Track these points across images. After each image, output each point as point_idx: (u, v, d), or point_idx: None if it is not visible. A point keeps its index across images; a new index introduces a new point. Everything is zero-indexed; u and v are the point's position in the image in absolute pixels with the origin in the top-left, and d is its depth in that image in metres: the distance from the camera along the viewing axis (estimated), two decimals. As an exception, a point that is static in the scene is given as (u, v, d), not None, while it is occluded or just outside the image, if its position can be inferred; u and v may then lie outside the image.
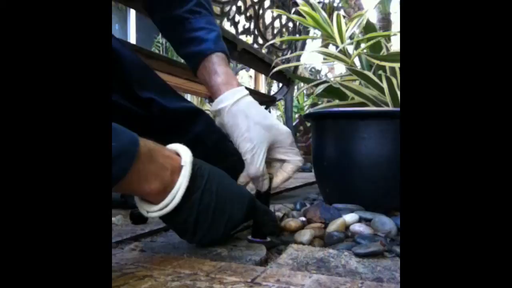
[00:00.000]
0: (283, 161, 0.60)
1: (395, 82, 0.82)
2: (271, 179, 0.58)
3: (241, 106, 0.57)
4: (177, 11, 0.62)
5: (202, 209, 0.48)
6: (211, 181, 0.49)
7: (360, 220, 0.63)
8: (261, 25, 1.77)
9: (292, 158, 0.59)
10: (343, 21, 0.97)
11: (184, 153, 0.48)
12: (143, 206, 0.47)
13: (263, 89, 7.18)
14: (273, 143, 0.57)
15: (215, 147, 0.83)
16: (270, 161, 0.60)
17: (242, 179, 0.58)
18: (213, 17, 0.66)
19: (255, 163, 0.55)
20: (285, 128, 0.59)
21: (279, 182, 0.60)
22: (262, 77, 7.30)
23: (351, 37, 0.98)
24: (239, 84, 0.60)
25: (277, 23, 2.03)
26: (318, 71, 7.76)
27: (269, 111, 2.93)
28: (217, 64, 0.60)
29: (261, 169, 0.56)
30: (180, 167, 0.47)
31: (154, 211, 0.46)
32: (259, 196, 0.56)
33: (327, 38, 0.99)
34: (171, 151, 0.48)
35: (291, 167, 0.60)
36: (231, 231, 0.53)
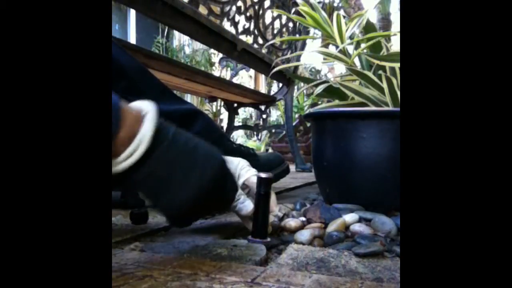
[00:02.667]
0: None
1: (395, 82, 0.82)
2: (268, 180, 0.58)
3: None
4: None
5: (170, 160, 0.45)
6: (179, 134, 0.47)
7: (360, 220, 0.63)
8: (261, 25, 1.77)
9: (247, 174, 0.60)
10: (343, 21, 0.97)
11: (147, 104, 0.46)
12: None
13: (263, 89, 7.19)
14: (234, 172, 0.58)
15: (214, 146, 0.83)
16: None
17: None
18: None
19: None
20: (235, 158, 0.60)
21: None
22: (262, 77, 7.30)
23: (351, 37, 0.98)
24: None
25: (277, 23, 2.03)
26: (318, 71, 7.76)
27: (269, 111, 2.93)
28: None
29: (238, 194, 0.56)
30: (143, 117, 0.45)
31: (119, 162, 0.43)
32: (259, 198, 0.56)
33: (327, 38, 0.99)
34: (134, 106, 0.46)
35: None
36: (201, 200, 0.48)
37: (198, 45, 4.94)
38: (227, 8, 1.46)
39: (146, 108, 0.45)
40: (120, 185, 0.50)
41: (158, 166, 0.45)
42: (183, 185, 0.46)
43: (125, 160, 0.43)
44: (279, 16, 2.00)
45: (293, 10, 1.98)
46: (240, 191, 0.57)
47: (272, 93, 2.55)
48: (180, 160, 0.46)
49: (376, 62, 0.85)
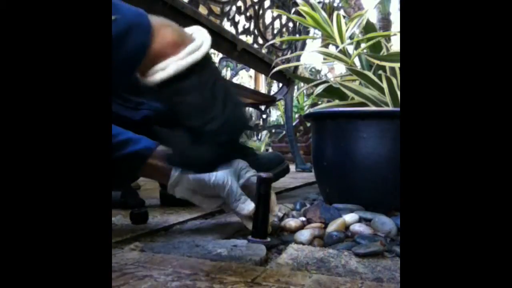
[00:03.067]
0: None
1: (395, 82, 0.82)
2: (268, 179, 0.58)
3: None
4: None
5: (207, 95, 0.44)
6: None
7: (360, 220, 0.63)
8: (261, 25, 1.77)
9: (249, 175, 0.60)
10: (343, 21, 0.97)
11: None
12: (159, 67, 0.41)
13: (263, 89, 7.19)
14: (235, 173, 0.59)
15: None
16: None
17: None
18: None
19: (234, 193, 0.56)
20: (237, 160, 0.61)
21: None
22: (262, 77, 7.30)
23: (351, 37, 0.98)
24: None
25: (277, 23, 2.03)
26: (318, 71, 7.76)
27: (269, 111, 2.93)
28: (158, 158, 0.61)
29: (239, 195, 0.57)
30: (192, 32, 0.45)
31: (183, 57, 0.41)
32: (259, 198, 0.56)
33: (327, 38, 0.99)
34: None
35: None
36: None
37: (198, 45, 4.93)
38: (227, 8, 1.45)
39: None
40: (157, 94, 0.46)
41: (202, 89, 0.44)
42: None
43: (186, 56, 0.41)
44: (279, 16, 2.00)
45: (293, 10, 1.98)
46: (240, 191, 0.57)
47: (272, 93, 2.55)
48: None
49: (376, 62, 0.85)
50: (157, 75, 0.41)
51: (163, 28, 0.41)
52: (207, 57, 0.43)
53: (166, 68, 0.41)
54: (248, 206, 0.56)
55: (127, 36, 0.37)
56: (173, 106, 0.44)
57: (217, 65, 0.48)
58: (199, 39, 0.43)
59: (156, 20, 0.41)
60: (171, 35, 0.41)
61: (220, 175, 0.56)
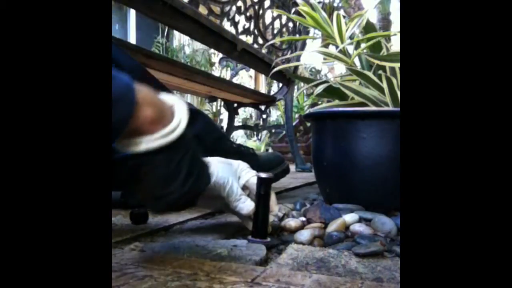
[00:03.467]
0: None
1: (395, 82, 0.82)
2: (268, 180, 0.59)
3: None
4: None
5: (195, 151, 0.47)
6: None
7: (360, 220, 0.63)
8: (261, 25, 1.77)
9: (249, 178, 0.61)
10: (343, 21, 0.97)
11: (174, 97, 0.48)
12: (133, 141, 0.44)
13: (263, 89, 7.19)
14: (235, 174, 0.60)
15: (214, 146, 0.83)
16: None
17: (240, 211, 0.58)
18: None
19: (234, 194, 0.57)
20: (234, 160, 0.62)
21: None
22: (262, 77, 7.30)
23: (351, 37, 0.98)
24: None
25: (277, 23, 2.03)
26: (318, 71, 7.75)
27: (269, 111, 2.93)
28: None
29: (239, 195, 0.57)
30: (172, 105, 0.47)
31: (156, 138, 0.43)
32: (259, 198, 0.56)
33: (327, 38, 0.99)
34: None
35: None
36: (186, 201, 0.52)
37: (198, 45, 4.94)
38: (227, 8, 1.45)
39: (173, 98, 0.47)
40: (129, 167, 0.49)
41: (187, 151, 0.47)
42: (197, 179, 0.48)
43: (165, 136, 0.43)
44: (279, 16, 2.00)
45: (293, 10, 1.98)
46: (240, 191, 0.57)
47: (272, 93, 2.55)
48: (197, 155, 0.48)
49: (376, 62, 0.85)
50: (129, 148, 0.44)
51: (145, 104, 0.42)
52: (180, 136, 0.45)
53: (138, 145, 0.44)
54: (248, 206, 0.56)
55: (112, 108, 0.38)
56: (138, 175, 0.47)
57: (190, 137, 0.51)
58: (177, 119, 0.45)
59: (141, 94, 0.42)
60: (151, 113, 0.43)
61: (221, 176, 0.56)
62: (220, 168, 0.58)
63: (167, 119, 0.45)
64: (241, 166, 0.61)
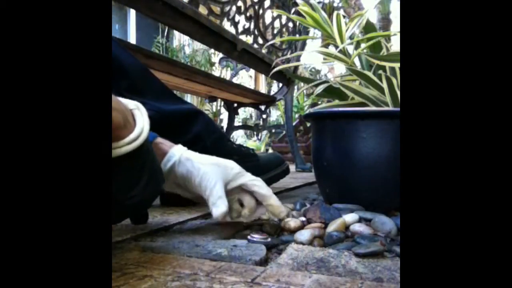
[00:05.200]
0: (242, 188, 0.63)
1: (395, 82, 0.82)
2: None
3: (187, 156, 0.61)
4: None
5: (154, 154, 0.49)
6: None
7: (360, 220, 0.63)
8: (261, 25, 1.77)
9: (249, 181, 0.62)
10: (343, 21, 0.97)
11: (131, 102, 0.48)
12: None
13: (263, 89, 7.19)
14: (225, 176, 0.60)
15: (214, 146, 0.83)
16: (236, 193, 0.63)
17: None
18: None
19: (213, 196, 0.58)
20: (229, 161, 0.63)
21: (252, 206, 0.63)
22: (262, 77, 7.30)
23: (351, 37, 0.98)
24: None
25: (277, 23, 2.03)
26: (318, 71, 7.76)
27: (269, 111, 2.94)
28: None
29: (217, 198, 0.58)
30: (131, 108, 0.46)
31: (123, 145, 0.42)
32: None
33: (327, 38, 0.99)
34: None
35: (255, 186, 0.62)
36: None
37: (198, 45, 4.94)
38: (227, 8, 1.46)
39: (131, 103, 0.47)
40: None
41: (148, 155, 0.47)
42: (155, 182, 0.50)
43: (130, 143, 0.43)
44: (279, 16, 2.00)
45: (293, 10, 1.98)
46: (221, 194, 0.58)
47: (272, 93, 2.55)
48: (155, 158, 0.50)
49: (376, 62, 0.85)
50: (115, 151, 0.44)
51: (114, 109, 0.42)
52: (141, 145, 0.45)
53: (117, 150, 0.43)
54: (218, 212, 0.57)
55: None
56: None
57: (151, 148, 0.54)
58: (139, 123, 0.45)
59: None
60: (116, 119, 0.42)
61: (208, 177, 0.58)
62: (208, 169, 0.59)
63: (131, 125, 0.44)
64: (235, 170, 0.61)
